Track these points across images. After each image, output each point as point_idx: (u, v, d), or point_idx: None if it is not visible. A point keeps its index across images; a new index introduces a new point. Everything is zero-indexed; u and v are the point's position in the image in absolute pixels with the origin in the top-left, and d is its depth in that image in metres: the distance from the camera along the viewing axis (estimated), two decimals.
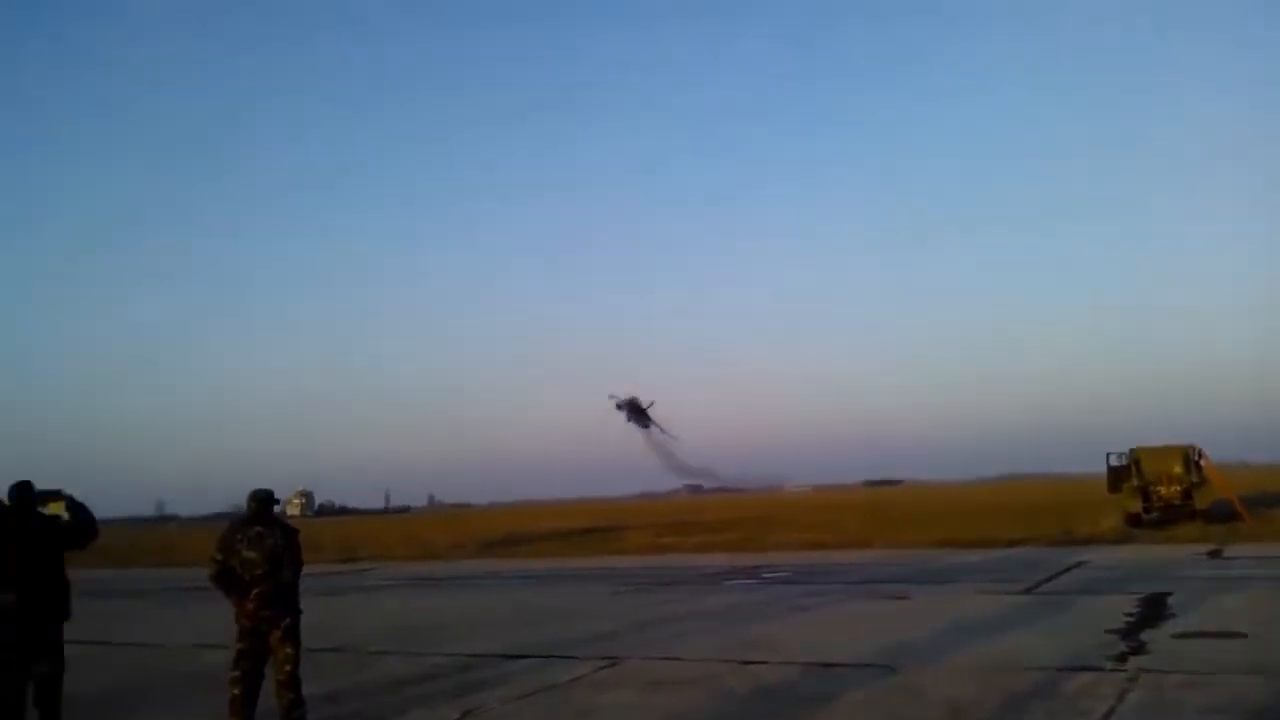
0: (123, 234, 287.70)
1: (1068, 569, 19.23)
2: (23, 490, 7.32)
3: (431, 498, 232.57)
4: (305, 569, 7.74)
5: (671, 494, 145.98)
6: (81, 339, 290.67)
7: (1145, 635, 10.90)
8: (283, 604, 7.41)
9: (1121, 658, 9.62)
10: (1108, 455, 31.09)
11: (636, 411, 50.05)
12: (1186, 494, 29.09)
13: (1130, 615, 12.38)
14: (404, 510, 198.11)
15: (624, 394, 50.27)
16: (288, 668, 7.36)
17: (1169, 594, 14.26)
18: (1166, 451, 29.85)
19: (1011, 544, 26.58)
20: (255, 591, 7.32)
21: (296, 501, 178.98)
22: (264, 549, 7.37)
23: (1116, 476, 30.61)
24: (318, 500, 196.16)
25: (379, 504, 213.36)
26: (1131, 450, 30.30)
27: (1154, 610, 12.82)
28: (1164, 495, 29.24)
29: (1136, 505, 29.38)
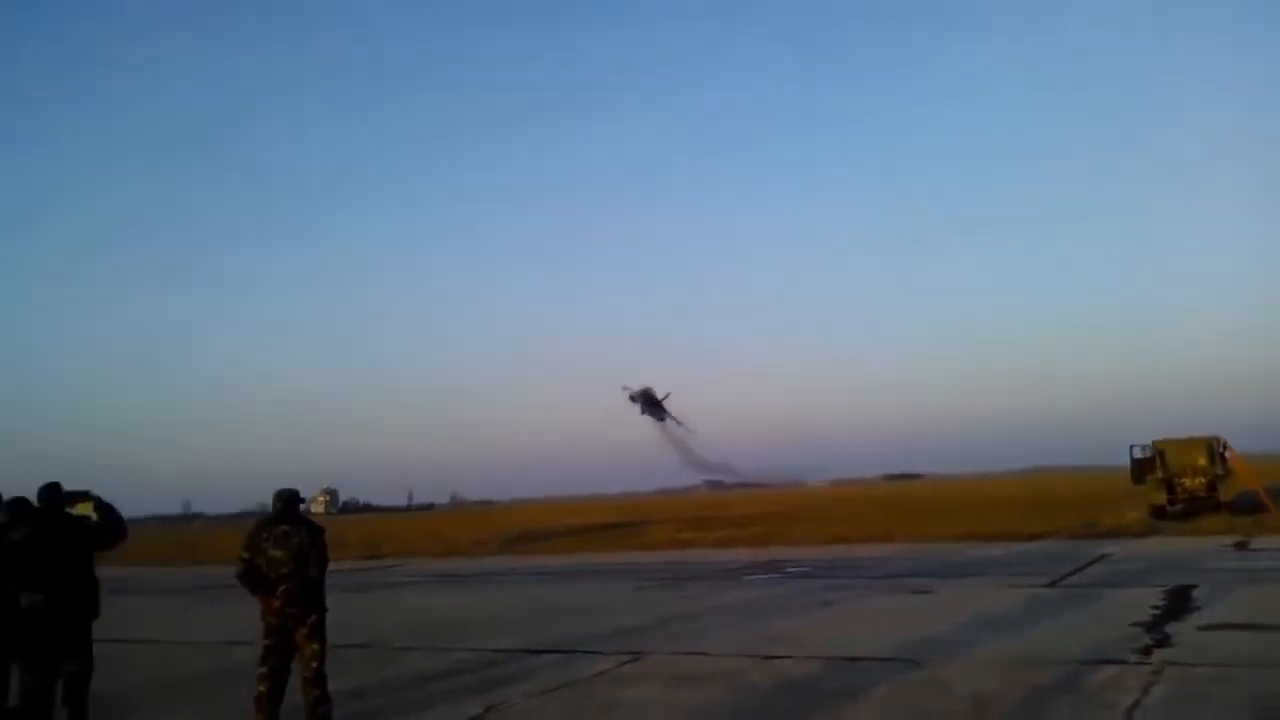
0: (123, 234, 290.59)
1: (1092, 562, 19.10)
2: (51, 491, 7.43)
3: (454, 495, 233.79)
4: (330, 566, 7.81)
5: (691, 490, 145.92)
6: (82, 339, 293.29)
7: (1170, 628, 10.83)
8: (309, 601, 7.47)
9: (1146, 651, 9.56)
10: (1131, 448, 30.86)
11: (651, 403, 49.68)
12: (1211, 486, 28.83)
13: (1155, 608, 12.29)
14: (427, 507, 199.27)
15: (637, 386, 49.97)
16: (314, 664, 7.43)
17: (1194, 586, 14.15)
18: (1191, 443, 29.60)
19: (1034, 537, 26.43)
20: (281, 589, 7.39)
21: (321, 499, 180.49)
22: (290, 547, 7.44)
23: (1140, 469, 30.37)
24: (342, 498, 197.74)
25: (402, 501, 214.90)
26: (1155, 442, 30.09)
27: (1179, 603, 12.73)
28: (1188, 487, 28.98)
29: (1161, 497, 29.15)
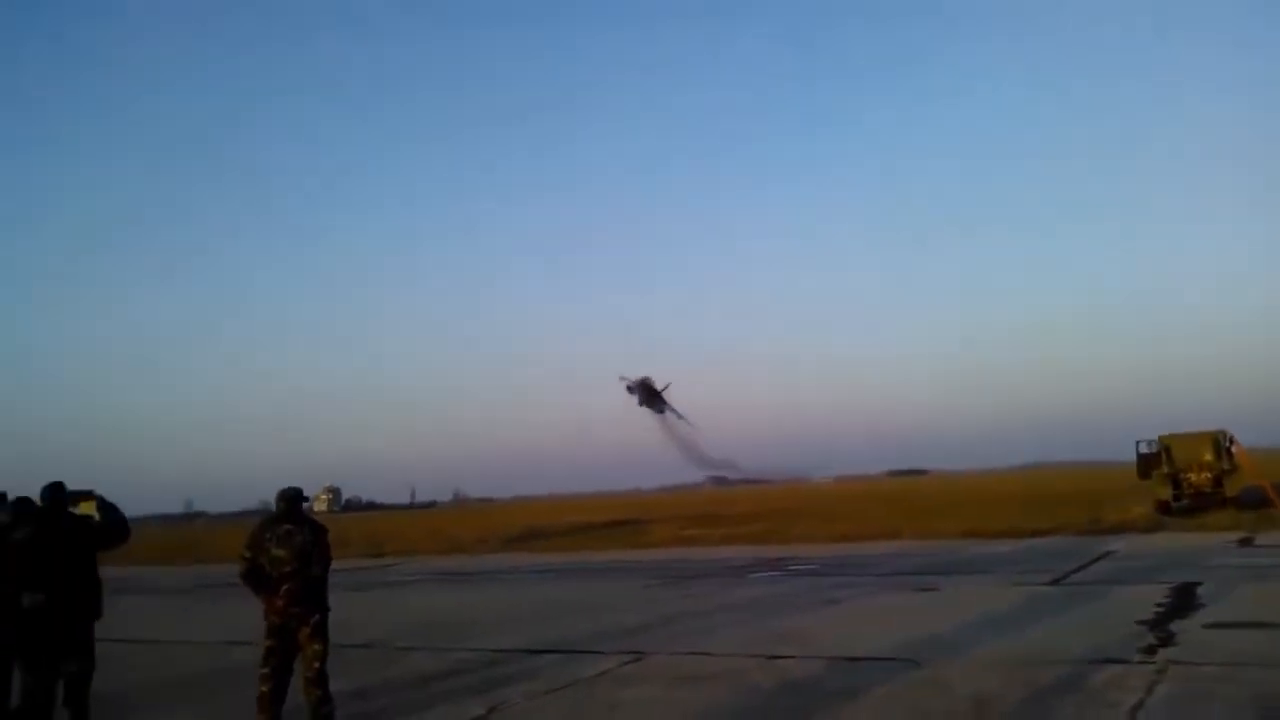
0: (123, 234, 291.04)
1: (1096, 559, 19.06)
2: (54, 491, 7.43)
3: (457, 493, 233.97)
4: (333, 565, 7.80)
5: (695, 487, 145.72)
6: (82, 339, 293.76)
7: (1175, 626, 10.79)
8: (311, 601, 7.47)
9: (1150, 649, 9.52)
10: (1137, 443, 30.81)
11: (650, 394, 48.93)
12: (1217, 481, 28.78)
13: (1160, 605, 12.25)
14: (429, 505, 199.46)
15: (635, 376, 49.24)
16: (316, 664, 7.42)
17: (1199, 583, 14.10)
18: (1197, 438, 29.52)
19: (1039, 533, 26.38)
20: (284, 588, 7.38)
21: (324, 498, 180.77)
22: (293, 546, 7.43)
23: (1146, 464, 30.32)
24: (344, 496, 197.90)
25: (405, 499, 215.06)
26: (1161, 437, 30.02)
27: (1184, 600, 12.68)
28: (1194, 482, 28.92)
29: (1167, 493, 29.08)
